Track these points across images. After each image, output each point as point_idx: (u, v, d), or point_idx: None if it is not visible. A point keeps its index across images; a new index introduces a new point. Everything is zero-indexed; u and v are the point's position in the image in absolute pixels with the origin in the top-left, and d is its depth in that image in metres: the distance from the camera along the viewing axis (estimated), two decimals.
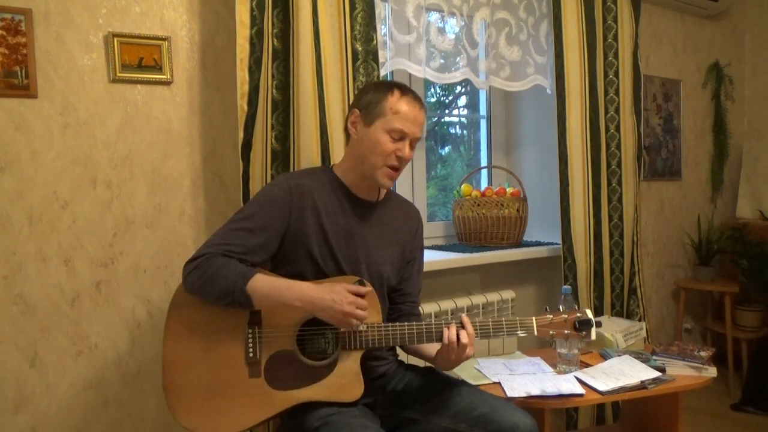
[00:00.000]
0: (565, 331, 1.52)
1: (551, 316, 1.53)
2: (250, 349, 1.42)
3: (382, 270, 1.56)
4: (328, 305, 1.36)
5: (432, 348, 1.53)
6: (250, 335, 1.43)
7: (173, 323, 1.44)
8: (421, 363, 1.79)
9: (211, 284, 1.37)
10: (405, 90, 1.51)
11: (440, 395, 1.49)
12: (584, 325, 1.51)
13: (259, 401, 1.41)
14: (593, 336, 1.53)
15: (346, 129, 1.58)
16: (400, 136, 1.48)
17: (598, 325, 1.54)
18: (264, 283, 1.38)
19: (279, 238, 1.48)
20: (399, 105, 1.48)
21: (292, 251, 1.49)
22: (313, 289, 1.39)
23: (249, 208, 1.50)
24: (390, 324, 1.46)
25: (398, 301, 1.65)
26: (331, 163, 1.76)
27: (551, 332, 1.51)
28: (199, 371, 1.41)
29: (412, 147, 1.52)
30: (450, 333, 1.42)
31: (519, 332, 1.50)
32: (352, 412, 1.40)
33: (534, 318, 1.51)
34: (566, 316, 1.53)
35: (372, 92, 1.52)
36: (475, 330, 1.47)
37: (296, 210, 1.48)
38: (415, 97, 1.52)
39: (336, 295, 1.36)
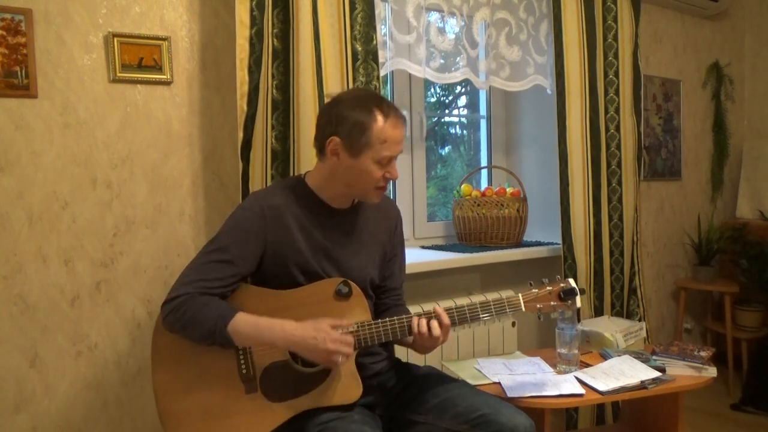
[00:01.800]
0: (552, 303, 1.52)
1: (536, 290, 1.53)
2: (243, 365, 1.40)
3: (364, 274, 1.55)
4: (311, 345, 1.34)
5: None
6: (241, 351, 1.40)
7: (159, 351, 1.41)
8: (416, 360, 1.81)
9: (192, 327, 1.35)
10: (385, 109, 1.42)
11: (441, 396, 1.49)
12: (569, 294, 1.52)
13: (260, 417, 1.38)
14: (579, 303, 1.54)
15: (321, 148, 1.46)
16: (389, 161, 1.45)
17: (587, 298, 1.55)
18: (245, 324, 1.36)
19: (256, 262, 1.45)
20: (385, 132, 1.41)
21: (272, 271, 1.46)
22: (296, 328, 1.36)
23: (222, 237, 1.44)
24: (380, 320, 1.45)
25: (383, 297, 1.65)
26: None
27: (538, 306, 1.52)
28: (193, 395, 1.38)
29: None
30: (420, 325, 1.43)
31: (507, 311, 1.51)
32: (351, 417, 1.39)
33: (520, 294, 1.52)
34: (550, 288, 1.53)
35: (352, 117, 1.40)
36: (464, 314, 1.48)
37: (272, 233, 1.44)
38: (397, 115, 1.45)
39: (319, 333, 1.34)
